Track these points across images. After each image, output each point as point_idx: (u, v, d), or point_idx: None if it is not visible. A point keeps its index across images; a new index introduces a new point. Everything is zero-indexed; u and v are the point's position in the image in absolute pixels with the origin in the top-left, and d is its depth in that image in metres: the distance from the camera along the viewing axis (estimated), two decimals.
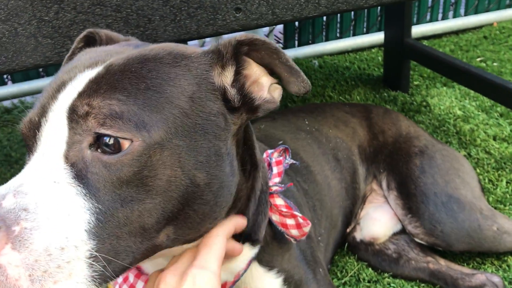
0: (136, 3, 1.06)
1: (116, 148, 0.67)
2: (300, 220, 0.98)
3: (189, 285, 0.73)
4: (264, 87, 0.84)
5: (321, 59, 2.96)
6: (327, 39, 3.07)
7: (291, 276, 1.08)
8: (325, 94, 2.52)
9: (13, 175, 2.05)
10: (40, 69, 2.79)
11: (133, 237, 0.69)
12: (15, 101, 2.80)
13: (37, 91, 2.75)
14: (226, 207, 0.82)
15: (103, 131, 0.67)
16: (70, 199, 0.66)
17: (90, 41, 0.95)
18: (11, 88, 2.68)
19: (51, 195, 0.65)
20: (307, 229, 1.00)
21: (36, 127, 0.73)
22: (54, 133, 0.70)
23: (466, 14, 3.32)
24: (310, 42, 3.06)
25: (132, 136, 0.67)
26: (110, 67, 0.73)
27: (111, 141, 0.67)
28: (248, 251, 0.96)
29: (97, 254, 0.65)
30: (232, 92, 0.80)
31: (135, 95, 0.69)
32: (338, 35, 3.11)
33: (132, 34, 1.09)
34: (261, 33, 2.63)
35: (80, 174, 0.68)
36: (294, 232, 1.01)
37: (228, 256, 0.88)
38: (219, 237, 0.80)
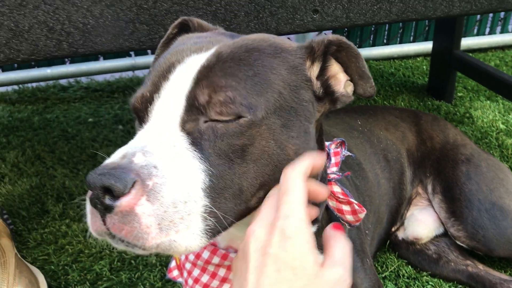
0: None
1: (231, 121, 0.78)
2: (356, 207, 1.05)
3: (278, 237, 0.73)
4: (341, 83, 0.94)
5: (367, 64, 3.03)
6: (374, 45, 3.14)
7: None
8: (370, 98, 2.60)
9: (70, 149, 2.18)
10: None
11: (234, 199, 0.79)
12: (71, 80, 2.95)
13: (93, 73, 2.89)
14: None
15: (218, 117, 0.78)
16: (188, 161, 0.76)
17: (183, 28, 1.04)
18: (70, 68, 2.82)
19: (172, 156, 0.76)
20: (362, 215, 1.06)
21: (148, 101, 0.83)
22: (170, 108, 0.80)
23: None
24: (357, 46, 3.14)
25: (242, 113, 0.78)
26: (220, 54, 0.83)
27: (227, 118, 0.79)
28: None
29: (213, 208, 0.76)
30: (317, 84, 0.91)
31: (245, 81, 0.80)
32: (385, 41, 3.17)
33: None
34: (311, 34, 2.71)
35: (195, 142, 0.78)
36: (349, 217, 1.08)
37: (313, 199, 0.86)
38: (297, 179, 0.79)
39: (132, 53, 2.96)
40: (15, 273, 1.39)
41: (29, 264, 1.51)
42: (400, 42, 3.18)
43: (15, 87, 2.87)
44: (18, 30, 1.10)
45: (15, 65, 2.86)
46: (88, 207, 0.73)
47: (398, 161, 1.64)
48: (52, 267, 1.59)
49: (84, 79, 2.97)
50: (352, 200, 1.05)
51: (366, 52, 3.08)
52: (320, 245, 1.12)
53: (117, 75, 3.01)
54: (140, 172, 0.71)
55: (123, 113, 2.58)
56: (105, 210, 0.70)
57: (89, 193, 0.71)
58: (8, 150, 2.21)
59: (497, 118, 2.40)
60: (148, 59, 2.92)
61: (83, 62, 2.87)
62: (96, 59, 2.93)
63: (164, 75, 0.84)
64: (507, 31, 3.36)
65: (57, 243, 1.68)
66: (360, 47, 3.14)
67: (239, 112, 0.77)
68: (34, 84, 2.89)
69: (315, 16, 1.23)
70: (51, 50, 1.13)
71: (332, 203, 1.08)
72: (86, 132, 2.37)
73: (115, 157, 0.75)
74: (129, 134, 2.35)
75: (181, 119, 0.79)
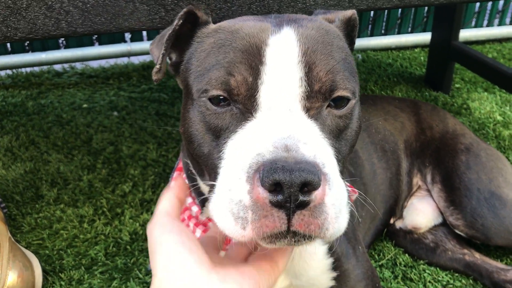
0: None
1: (343, 105, 0.86)
2: (348, 189, 1.05)
3: None
4: None
5: (365, 54, 3.02)
6: (372, 35, 3.13)
7: (334, 246, 1.16)
8: (367, 88, 2.58)
9: (65, 135, 2.15)
10: (94, 38, 2.89)
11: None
12: (66, 65, 2.91)
13: (88, 58, 2.85)
14: None
15: (338, 94, 0.84)
16: (327, 149, 0.80)
17: (188, 19, 1.00)
18: (65, 53, 2.78)
19: (322, 145, 0.79)
20: (353, 197, 1.06)
21: (251, 87, 0.81)
22: (287, 95, 0.81)
23: (511, 23, 3.34)
24: None
25: (350, 97, 0.86)
26: (309, 36, 0.85)
27: (342, 99, 0.86)
28: None
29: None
30: None
31: (343, 65, 0.86)
32: (383, 31, 3.16)
33: (220, 9, 1.16)
34: None
35: (322, 128, 0.82)
36: None
37: None
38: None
39: (127, 39, 2.93)
40: (9, 257, 1.37)
41: (23, 248, 1.49)
42: (398, 33, 3.16)
43: (9, 71, 2.83)
44: (15, 8, 1.07)
45: (9, 49, 2.82)
46: (258, 211, 0.71)
47: (395, 152, 1.63)
48: (47, 251, 1.57)
49: (78, 65, 2.94)
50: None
51: (364, 42, 3.07)
52: None
53: (112, 61, 2.98)
54: (317, 164, 0.72)
55: (118, 99, 2.55)
56: (296, 208, 0.70)
57: (261, 194, 0.70)
58: (2, 135, 2.18)
59: (494, 110, 2.39)
60: (144, 45, 2.89)
61: (78, 47, 2.83)
62: (91, 44, 2.89)
63: (257, 58, 0.82)
64: (505, 24, 3.35)
65: (51, 227, 1.66)
66: (358, 37, 3.11)
67: (350, 97, 0.85)
68: (28, 69, 2.85)
69: (318, 0, 1.21)
70: (49, 29, 1.10)
71: None
72: (81, 118, 2.35)
73: (279, 151, 0.73)
74: (124, 121, 2.32)
75: (302, 106, 0.81)
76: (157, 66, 0.95)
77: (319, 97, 0.83)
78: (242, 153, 0.77)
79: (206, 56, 0.89)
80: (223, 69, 0.83)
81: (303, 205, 0.70)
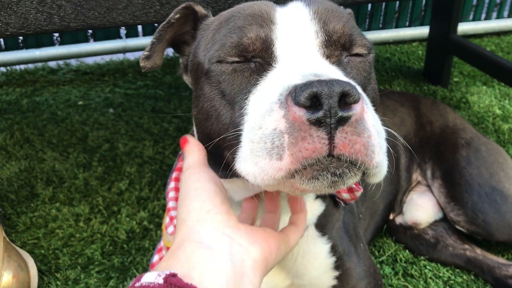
0: None
1: (360, 54, 0.85)
2: (352, 185, 1.02)
3: None
4: None
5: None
6: (369, 29, 3.10)
7: (337, 245, 1.14)
8: None
9: (60, 132, 2.12)
10: (89, 34, 2.85)
11: None
12: (61, 62, 2.88)
13: (83, 55, 2.82)
14: None
15: (360, 51, 0.84)
16: None
17: (188, 17, 0.98)
18: (59, 49, 2.75)
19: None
20: (358, 193, 1.04)
21: (267, 42, 0.81)
22: (305, 45, 0.80)
23: (509, 16, 3.32)
24: None
25: (368, 48, 0.86)
26: (313, 2, 0.87)
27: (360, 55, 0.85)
28: (319, 207, 1.04)
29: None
30: None
31: (354, 24, 0.88)
32: (381, 25, 3.13)
33: (216, 2, 1.14)
34: None
35: (344, 72, 0.80)
36: (345, 195, 1.06)
37: None
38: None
39: (123, 35, 2.90)
40: (4, 257, 1.35)
41: (18, 248, 1.46)
42: (396, 27, 3.14)
43: (3, 69, 2.80)
44: (6, 2, 1.04)
45: (3, 46, 2.78)
46: (295, 132, 0.65)
47: (394, 147, 1.61)
48: (42, 251, 1.54)
49: (73, 62, 2.91)
50: None
51: None
52: (320, 226, 1.10)
53: (107, 58, 2.95)
54: (352, 83, 0.69)
55: (114, 96, 2.52)
56: (337, 124, 0.64)
57: (297, 113, 0.65)
58: None
59: (493, 104, 2.38)
60: (139, 41, 2.86)
61: (73, 43, 2.80)
62: (86, 40, 2.86)
63: (268, 19, 0.83)
64: (503, 17, 3.33)
65: (47, 226, 1.64)
66: None
67: (369, 50, 0.86)
68: (22, 66, 2.82)
69: None
70: (41, 24, 1.08)
71: None
72: (76, 115, 2.32)
73: (309, 77, 0.70)
74: (119, 117, 2.30)
75: (322, 53, 0.80)
76: (145, 53, 0.94)
77: (338, 46, 0.81)
78: (267, 94, 0.74)
79: (215, 34, 0.89)
80: (234, 34, 0.82)
81: (344, 120, 0.65)
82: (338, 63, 0.81)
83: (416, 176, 1.66)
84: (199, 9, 0.98)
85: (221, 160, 0.84)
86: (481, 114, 2.29)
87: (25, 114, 2.33)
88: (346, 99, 0.64)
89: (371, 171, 0.69)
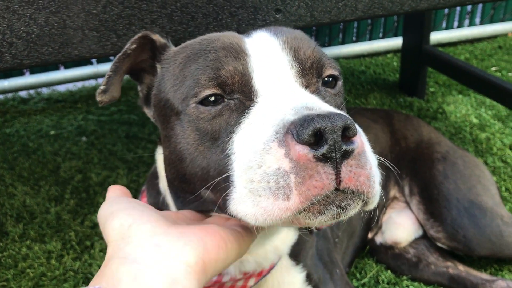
0: (181, 1, 1.08)
1: (334, 84, 0.87)
2: None
3: None
4: None
5: (337, 62, 2.98)
6: (343, 42, 3.10)
7: (312, 273, 1.11)
8: None
9: (31, 165, 2.06)
10: None
11: None
12: (32, 91, 2.82)
13: (54, 83, 2.77)
14: None
15: (328, 73, 0.85)
16: None
17: (145, 46, 0.95)
18: (29, 79, 2.70)
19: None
20: None
21: (245, 75, 0.79)
22: (283, 76, 0.80)
23: (481, 23, 3.34)
24: (326, 44, 3.09)
25: (339, 76, 0.88)
26: (280, 32, 0.87)
27: (331, 81, 0.87)
28: (292, 236, 1.01)
29: None
30: None
31: (320, 49, 0.88)
32: (354, 38, 3.13)
33: (175, 31, 1.11)
34: None
35: (324, 101, 0.79)
36: None
37: None
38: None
39: (94, 61, 2.86)
40: None
41: None
42: (370, 39, 3.14)
43: None
44: None
45: None
46: (301, 171, 0.65)
47: None
48: None
49: (45, 90, 2.85)
50: None
51: (336, 50, 3.03)
52: (294, 255, 1.06)
53: (79, 84, 2.90)
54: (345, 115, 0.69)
55: (87, 123, 2.47)
56: (342, 158, 0.65)
57: (302, 151, 0.65)
58: None
59: (470, 113, 2.37)
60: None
61: (43, 72, 2.75)
62: (56, 68, 2.81)
63: (240, 51, 0.82)
64: (475, 24, 3.35)
65: (17, 266, 1.57)
66: (329, 45, 3.09)
67: (338, 76, 0.87)
68: None
69: (277, 16, 1.16)
70: None
71: None
72: (48, 146, 2.26)
73: (303, 111, 0.69)
74: (92, 146, 2.24)
75: (300, 84, 0.81)
76: (102, 87, 0.91)
77: (313, 73, 0.83)
78: (258, 131, 0.72)
79: (183, 68, 0.85)
80: (209, 68, 0.80)
81: (348, 153, 0.65)
82: (317, 92, 0.83)
83: (394, 192, 1.63)
84: (157, 38, 0.95)
85: (198, 199, 0.83)
86: (458, 124, 2.28)
87: None
88: (346, 133, 0.65)
89: (371, 199, 0.70)
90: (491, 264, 1.56)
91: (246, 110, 0.77)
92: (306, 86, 0.81)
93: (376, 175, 0.70)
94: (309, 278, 1.10)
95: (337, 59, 3.02)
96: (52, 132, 2.40)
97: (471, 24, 3.34)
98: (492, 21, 3.35)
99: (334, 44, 3.08)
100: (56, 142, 2.29)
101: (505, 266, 1.54)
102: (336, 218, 0.68)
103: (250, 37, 0.87)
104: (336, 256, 1.27)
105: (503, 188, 1.85)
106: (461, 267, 1.51)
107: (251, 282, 0.98)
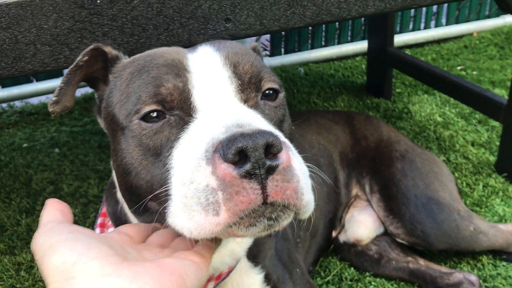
0: (131, 13, 1.11)
1: (274, 97, 0.90)
2: None
3: None
4: None
5: (307, 67, 3.03)
6: (312, 47, 3.15)
7: (271, 274, 1.14)
8: (310, 101, 2.59)
9: (2, 178, 2.07)
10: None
11: None
12: (4, 105, 2.83)
13: (27, 96, 2.78)
14: None
15: (268, 86, 0.89)
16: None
17: (97, 57, 0.98)
18: (1, 93, 2.70)
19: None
20: None
21: (184, 91, 0.83)
22: (223, 91, 0.83)
23: (447, 24, 3.42)
24: (296, 50, 3.14)
25: (279, 89, 0.91)
26: (222, 47, 0.91)
27: (272, 93, 0.90)
28: (248, 238, 1.04)
29: None
30: None
31: (261, 63, 0.92)
32: (323, 43, 3.19)
33: (127, 42, 1.14)
34: (248, 41, 2.69)
35: (262, 115, 0.85)
36: None
37: None
38: None
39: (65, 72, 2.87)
40: None
41: None
42: (339, 43, 3.20)
43: None
44: None
45: None
46: (228, 188, 0.69)
47: (331, 165, 1.63)
48: None
49: (18, 103, 2.85)
50: None
51: (305, 55, 3.08)
52: (252, 257, 1.09)
53: (52, 96, 2.90)
54: (274, 132, 0.73)
55: (60, 135, 2.48)
56: (266, 174, 0.69)
57: (226, 170, 0.68)
58: None
59: (434, 111, 2.43)
60: None
61: (15, 85, 2.76)
62: (29, 81, 2.82)
63: (182, 68, 0.85)
64: (441, 25, 3.43)
65: None
66: (299, 50, 3.14)
67: (279, 89, 0.90)
68: None
69: (228, 25, 1.20)
70: None
71: None
72: (20, 159, 2.27)
73: (233, 129, 0.73)
74: (65, 157, 2.26)
75: (239, 99, 0.84)
76: (53, 98, 0.95)
77: (252, 88, 0.86)
78: (192, 148, 0.75)
79: (128, 84, 0.89)
80: (150, 85, 0.84)
81: (272, 169, 0.69)
82: (256, 106, 0.86)
83: (356, 191, 1.67)
84: (109, 50, 0.98)
85: (147, 210, 0.86)
86: (422, 123, 2.34)
87: None
88: (270, 150, 0.69)
89: (301, 210, 0.74)
90: (451, 257, 1.61)
91: (186, 126, 0.81)
92: (245, 101, 0.85)
93: (305, 187, 0.73)
94: (267, 279, 1.13)
95: (307, 64, 3.07)
96: (25, 145, 2.41)
97: (438, 25, 3.42)
98: (457, 21, 3.43)
99: (304, 49, 3.14)
100: (28, 155, 2.30)
101: (464, 259, 1.60)
102: (269, 229, 0.73)
103: (195, 52, 0.91)
104: (297, 256, 1.30)
105: (464, 184, 1.91)
106: (422, 262, 1.56)
107: (210, 286, 1.01)
